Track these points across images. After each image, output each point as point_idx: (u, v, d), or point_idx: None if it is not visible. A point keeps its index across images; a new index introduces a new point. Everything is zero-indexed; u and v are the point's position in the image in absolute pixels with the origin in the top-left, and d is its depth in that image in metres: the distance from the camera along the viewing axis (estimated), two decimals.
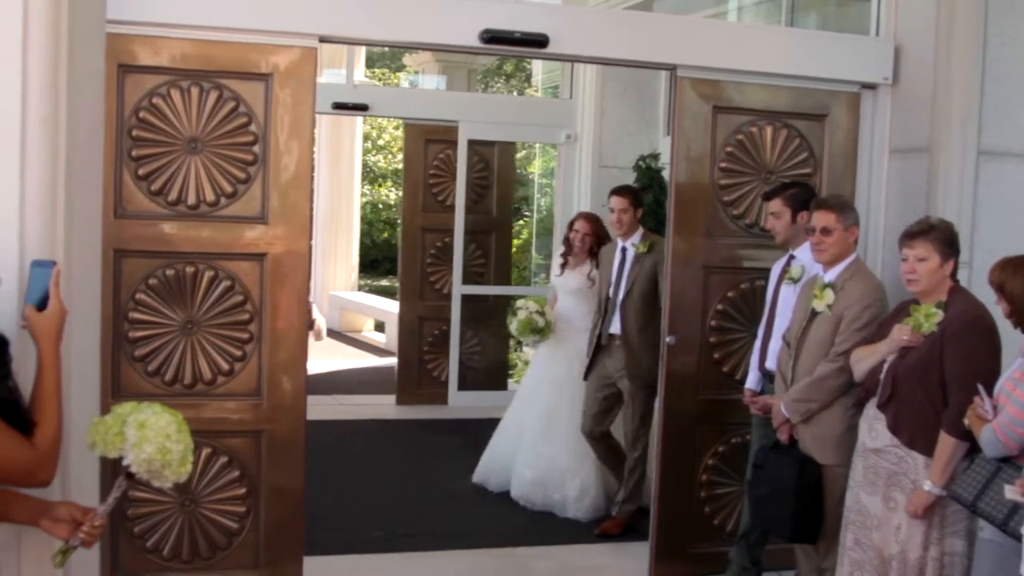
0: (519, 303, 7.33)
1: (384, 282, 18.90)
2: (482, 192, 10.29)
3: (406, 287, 10.34)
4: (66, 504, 2.85)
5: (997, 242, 4.93)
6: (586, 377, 6.83)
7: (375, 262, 20.03)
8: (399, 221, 19.81)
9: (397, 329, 10.57)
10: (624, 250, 6.63)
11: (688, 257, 5.76)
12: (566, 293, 7.25)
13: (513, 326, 7.29)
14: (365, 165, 18.97)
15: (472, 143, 9.78)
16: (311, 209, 5.30)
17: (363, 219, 18.01)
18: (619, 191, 6.75)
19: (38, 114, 3.00)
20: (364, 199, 18.79)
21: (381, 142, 21.37)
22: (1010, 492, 3.58)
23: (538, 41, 5.30)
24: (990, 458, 3.83)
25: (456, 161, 9.71)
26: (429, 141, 10.28)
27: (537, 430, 7.18)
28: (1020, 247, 4.03)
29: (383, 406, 10.26)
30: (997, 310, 4.05)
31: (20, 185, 2.91)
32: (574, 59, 7.27)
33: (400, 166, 20.81)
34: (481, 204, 10.22)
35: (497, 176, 10.43)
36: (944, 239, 4.37)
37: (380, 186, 20.60)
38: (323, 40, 5.12)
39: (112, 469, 2.86)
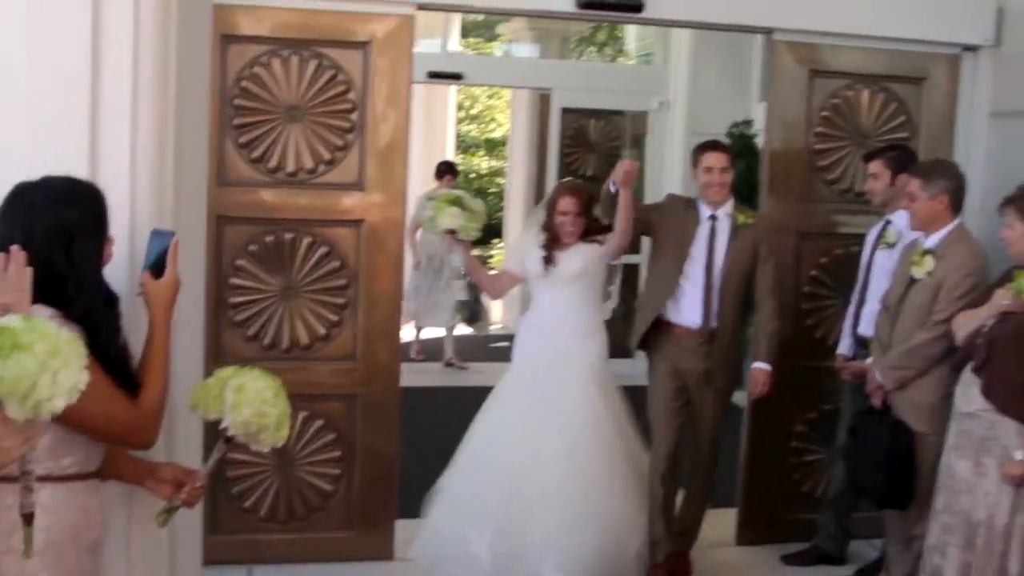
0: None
1: (478, 252, 18.94)
2: (612, 162, 10.26)
3: None
4: (170, 465, 2.92)
5: None
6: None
7: None
8: (491, 191, 19.92)
9: None
10: (714, 219, 5.25)
11: (782, 223, 5.71)
12: (562, 284, 5.24)
13: (430, 210, 5.25)
14: (458, 135, 19.04)
15: (603, 113, 9.81)
16: (406, 177, 5.32)
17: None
18: (720, 146, 5.44)
19: (148, 77, 3.05)
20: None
21: (474, 111, 21.41)
22: None
23: (634, 5, 5.30)
24: None
25: (590, 132, 9.75)
26: (563, 111, 10.24)
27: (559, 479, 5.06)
28: None
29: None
30: None
31: (131, 145, 2.98)
32: (669, 23, 7.17)
33: (493, 135, 20.90)
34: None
35: (630, 145, 10.39)
36: None
37: (473, 155, 20.66)
38: (420, 7, 5.19)
39: (214, 433, 2.94)
